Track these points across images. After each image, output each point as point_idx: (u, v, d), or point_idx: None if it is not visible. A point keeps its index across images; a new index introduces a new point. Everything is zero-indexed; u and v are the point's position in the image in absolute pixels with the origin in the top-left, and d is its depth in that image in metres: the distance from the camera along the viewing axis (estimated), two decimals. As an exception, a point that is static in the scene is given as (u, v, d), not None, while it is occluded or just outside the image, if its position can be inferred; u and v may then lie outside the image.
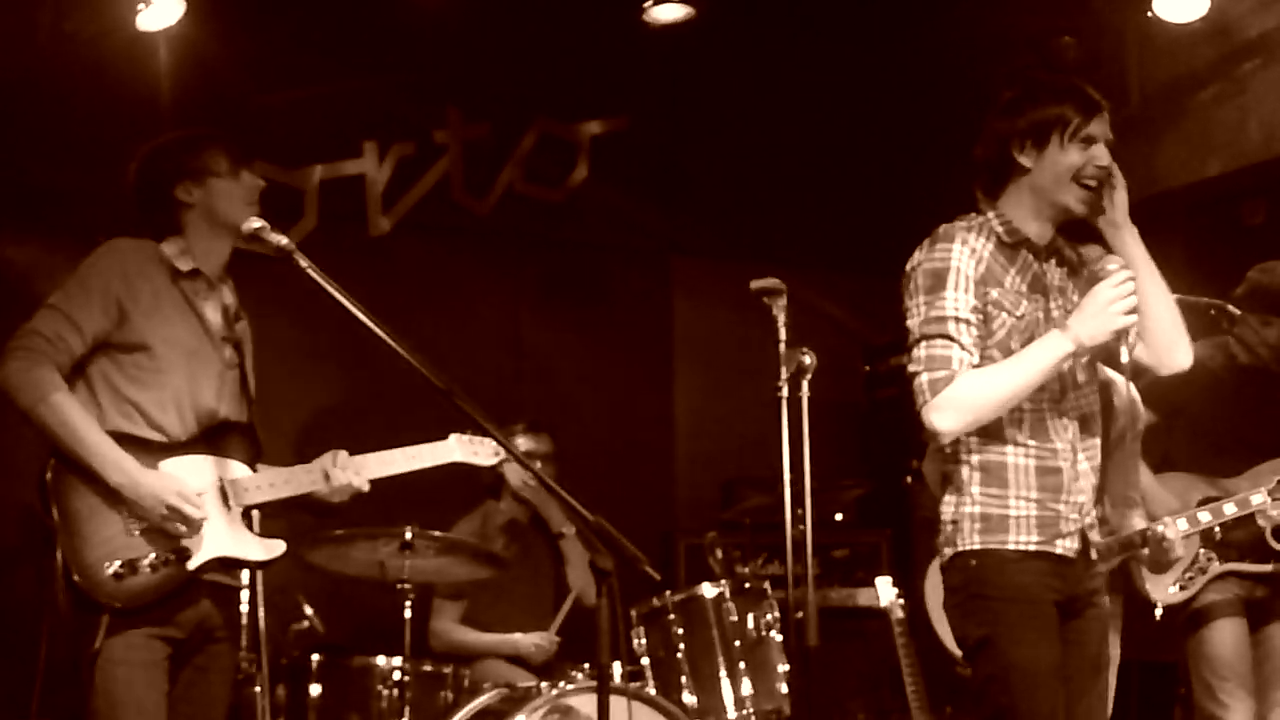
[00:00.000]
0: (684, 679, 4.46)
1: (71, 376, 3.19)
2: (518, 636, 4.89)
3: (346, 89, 5.63)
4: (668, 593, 4.60)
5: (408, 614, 4.32)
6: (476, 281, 6.05)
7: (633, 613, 4.62)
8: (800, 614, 3.93)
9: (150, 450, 3.19)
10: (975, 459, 3.07)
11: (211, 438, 3.30)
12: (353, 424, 5.35)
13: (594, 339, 6.22)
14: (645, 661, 4.53)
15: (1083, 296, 3.05)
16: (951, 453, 3.09)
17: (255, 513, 3.36)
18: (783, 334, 3.19)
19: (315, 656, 4.39)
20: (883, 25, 6.26)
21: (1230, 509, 3.95)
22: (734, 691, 4.45)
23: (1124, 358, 2.96)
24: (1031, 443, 3.05)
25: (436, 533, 4.42)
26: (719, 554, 5.05)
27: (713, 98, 6.38)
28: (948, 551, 3.08)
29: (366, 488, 3.43)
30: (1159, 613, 4.09)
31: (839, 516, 5.86)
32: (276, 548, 3.34)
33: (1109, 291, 2.95)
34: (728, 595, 4.56)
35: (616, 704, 4.07)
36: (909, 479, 5.75)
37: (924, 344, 3.02)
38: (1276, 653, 4.11)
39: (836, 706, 5.06)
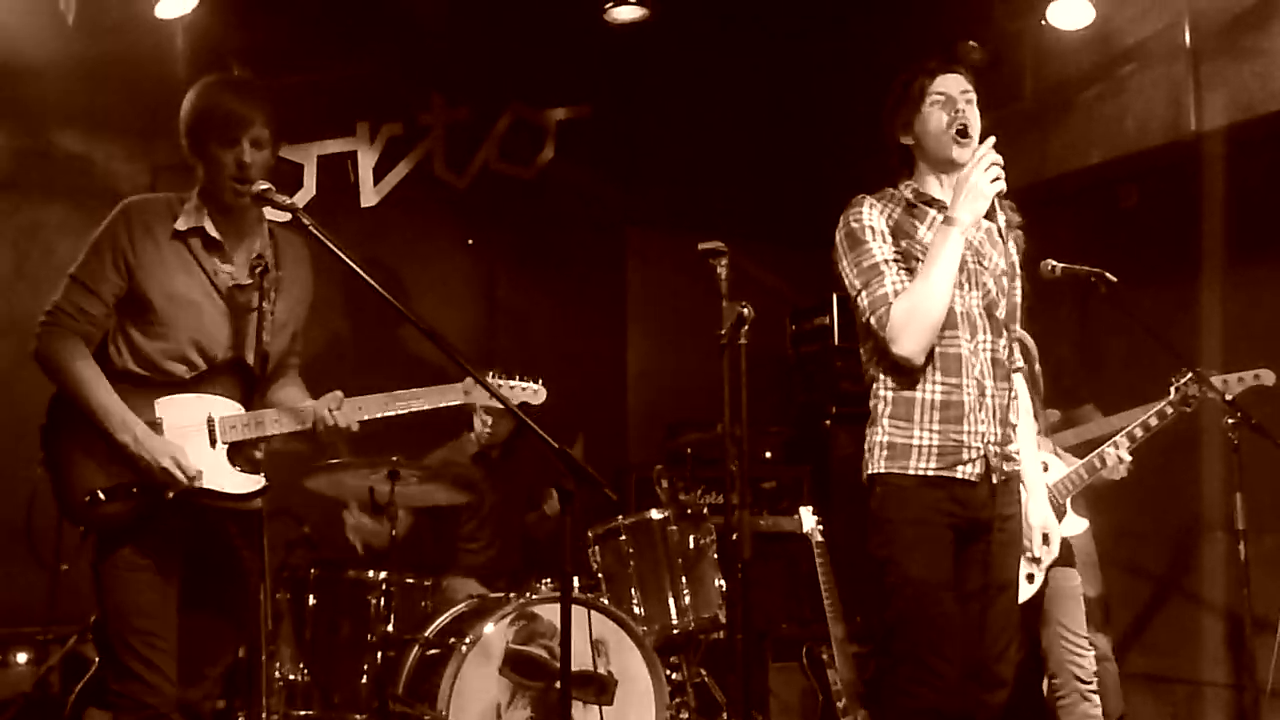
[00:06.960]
0: (634, 591, 4.48)
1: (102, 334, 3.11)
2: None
3: (342, 75, 5.58)
4: (619, 517, 4.62)
5: (393, 533, 4.28)
6: (456, 248, 6.00)
7: (589, 534, 4.63)
8: (735, 535, 3.92)
9: (148, 388, 3.08)
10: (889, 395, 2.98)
11: (208, 377, 3.13)
12: (347, 368, 5.28)
13: (560, 299, 6.19)
14: (600, 576, 4.54)
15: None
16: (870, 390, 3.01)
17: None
18: (724, 289, 3.15)
19: (312, 570, 4.34)
20: (811, 31, 6.28)
21: (1154, 421, 3.99)
22: (676, 601, 4.47)
23: (1000, 220, 2.84)
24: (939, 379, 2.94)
25: (419, 463, 4.42)
26: (664, 484, 5.08)
27: (664, 88, 6.37)
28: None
29: (356, 428, 3.19)
30: None
31: (768, 455, 5.86)
32: (255, 483, 3.14)
33: (978, 175, 2.83)
34: (672, 519, 4.58)
35: (575, 613, 4.17)
36: (828, 423, 5.76)
37: (864, 292, 2.93)
38: None
39: (764, 616, 5.08)
